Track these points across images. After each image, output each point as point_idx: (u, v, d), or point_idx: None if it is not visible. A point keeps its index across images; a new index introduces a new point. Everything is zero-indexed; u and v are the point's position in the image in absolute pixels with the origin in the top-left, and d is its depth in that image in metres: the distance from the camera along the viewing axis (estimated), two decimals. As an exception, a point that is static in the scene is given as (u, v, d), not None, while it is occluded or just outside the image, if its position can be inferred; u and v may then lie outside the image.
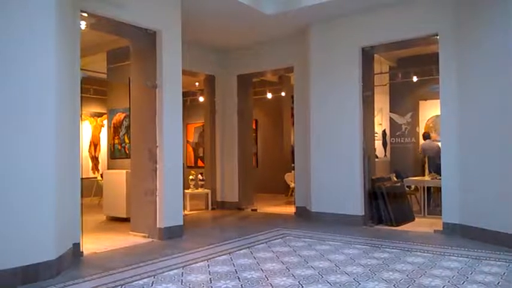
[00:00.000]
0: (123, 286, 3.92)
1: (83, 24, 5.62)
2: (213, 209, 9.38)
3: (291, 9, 6.97)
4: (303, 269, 4.40)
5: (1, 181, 3.85)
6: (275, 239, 6.03)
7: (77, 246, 5.01)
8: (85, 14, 5.44)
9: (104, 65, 8.84)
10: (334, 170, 7.39)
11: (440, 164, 6.55)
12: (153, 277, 4.19)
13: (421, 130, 10.54)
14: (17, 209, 3.95)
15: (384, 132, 10.92)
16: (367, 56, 7.41)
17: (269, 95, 11.95)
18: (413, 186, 8.76)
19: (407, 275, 4.16)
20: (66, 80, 4.72)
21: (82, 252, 5.12)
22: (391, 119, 11.00)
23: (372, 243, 5.67)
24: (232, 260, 4.85)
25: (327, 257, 4.94)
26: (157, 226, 6.14)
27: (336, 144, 7.40)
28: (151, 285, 3.94)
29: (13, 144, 3.94)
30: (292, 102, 9.37)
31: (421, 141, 10.13)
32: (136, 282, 4.04)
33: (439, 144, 6.96)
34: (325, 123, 7.55)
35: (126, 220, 7.39)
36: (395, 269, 4.38)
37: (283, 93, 12.11)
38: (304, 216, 7.97)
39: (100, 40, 8.09)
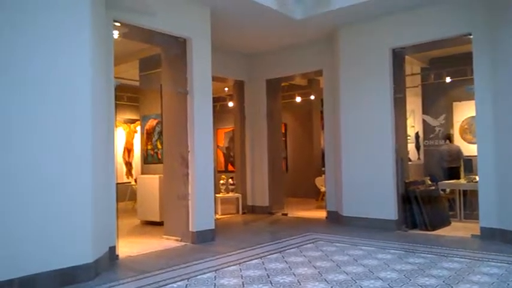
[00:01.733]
0: (158, 289, 4.00)
1: (115, 34, 5.80)
2: (243, 213, 9.42)
3: (319, 13, 6.95)
4: (336, 274, 4.36)
5: (41, 187, 4.00)
6: (306, 244, 6.00)
7: (112, 249, 5.15)
8: (118, 24, 5.62)
9: (136, 73, 9.07)
10: (366, 173, 7.29)
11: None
12: (186, 280, 4.25)
13: (456, 132, 10.26)
14: (56, 213, 4.10)
15: (416, 134, 10.69)
16: (398, 57, 7.29)
17: (298, 99, 11.92)
18: (448, 190, 8.52)
19: (443, 281, 4.05)
20: (101, 88, 4.88)
21: (117, 255, 5.25)
22: (424, 121, 10.75)
23: (406, 248, 5.55)
24: (264, 264, 4.86)
25: (360, 262, 4.88)
26: (190, 230, 6.23)
27: (367, 147, 7.30)
28: (185, 288, 4.01)
29: (52, 150, 4.10)
30: (322, 105, 9.32)
31: (456, 143, 9.86)
32: (170, 285, 4.11)
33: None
34: (356, 126, 7.47)
35: (159, 224, 7.53)
36: (431, 275, 4.28)
37: (312, 97, 12.05)
38: (336, 221, 7.89)
39: (132, 49, 8.32)
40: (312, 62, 8.76)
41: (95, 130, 4.52)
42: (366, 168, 7.30)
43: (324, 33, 8.02)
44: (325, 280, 4.15)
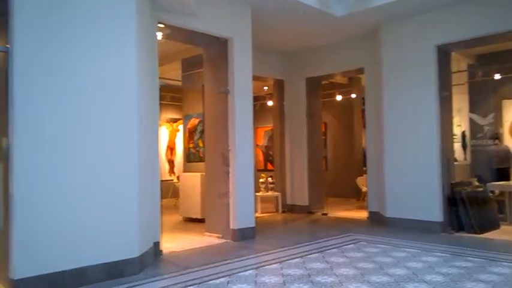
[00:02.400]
0: (200, 284, 4.08)
1: (159, 35, 5.95)
2: (283, 212, 9.43)
3: (361, 9, 6.83)
4: (379, 276, 4.29)
5: (90, 184, 4.19)
6: (348, 244, 5.94)
7: (157, 245, 5.30)
8: (161, 25, 5.77)
9: (179, 73, 9.28)
10: (409, 173, 7.10)
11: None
12: (228, 277, 4.32)
13: (505, 132, 9.80)
14: (105, 209, 4.27)
15: (463, 133, 10.31)
16: (444, 54, 7.05)
17: (339, 97, 11.78)
18: (497, 192, 8.16)
19: (492, 286, 3.90)
20: (146, 88, 5.03)
21: (161, 250, 5.41)
22: (471, 120, 10.34)
23: (453, 251, 5.37)
24: (304, 263, 4.86)
25: (403, 264, 4.77)
26: (231, 227, 6.31)
27: (411, 147, 7.11)
28: (227, 284, 4.07)
29: (100, 149, 4.28)
30: (363, 103, 9.18)
31: (506, 143, 9.42)
32: (212, 281, 4.18)
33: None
34: (399, 124, 7.30)
35: (201, 221, 7.68)
36: (480, 280, 4.12)
37: (353, 95, 11.88)
38: (378, 222, 7.74)
39: (175, 49, 8.52)
40: (353, 60, 8.63)
41: (141, 129, 4.67)
42: (410, 168, 7.11)
43: (366, 30, 7.88)
44: (368, 282, 4.10)
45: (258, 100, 12.97)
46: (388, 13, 7.02)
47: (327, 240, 6.20)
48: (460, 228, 6.72)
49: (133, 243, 4.45)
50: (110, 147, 4.34)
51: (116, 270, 4.28)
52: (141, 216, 4.60)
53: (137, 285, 4.09)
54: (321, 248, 5.70)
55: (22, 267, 3.74)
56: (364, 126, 9.98)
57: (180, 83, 9.41)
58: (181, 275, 4.46)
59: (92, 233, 4.16)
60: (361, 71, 8.73)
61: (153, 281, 4.24)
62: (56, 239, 3.93)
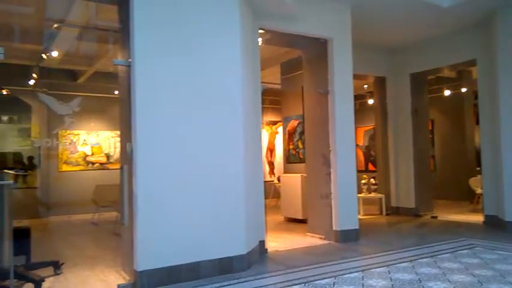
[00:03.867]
0: (306, 284, 4.12)
1: (259, 41, 6.14)
2: (387, 214, 9.08)
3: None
4: (499, 285, 3.94)
5: (203, 184, 4.48)
6: (462, 250, 5.53)
7: (262, 243, 5.48)
8: (261, 31, 5.95)
9: (277, 77, 9.46)
10: (533, 173, 6.39)
11: None
12: (333, 278, 4.30)
13: None
14: (215, 208, 4.53)
15: None
16: None
17: (447, 92, 11.00)
18: None
19: None
20: (250, 92, 5.24)
21: (266, 249, 5.57)
22: None
23: None
24: (414, 268, 4.64)
25: (529, 273, 4.32)
26: (334, 229, 6.27)
27: (534, 144, 6.39)
28: (333, 285, 4.05)
29: (211, 151, 4.55)
30: (475, 98, 8.46)
31: None
32: (318, 281, 4.20)
33: None
34: (519, 120, 6.60)
35: (302, 221, 7.74)
36: None
37: (463, 90, 11.01)
38: (496, 226, 7.08)
39: (273, 54, 8.71)
40: (463, 52, 8.01)
41: (246, 132, 4.88)
42: (533, 168, 6.39)
43: (477, 19, 7.27)
44: (487, 290, 3.79)
45: (358, 99, 12.66)
46: (503, 0, 6.39)
47: (438, 245, 5.84)
48: None
49: (242, 241, 4.66)
50: (219, 150, 4.60)
51: (227, 265, 4.52)
52: (248, 215, 4.80)
53: (246, 281, 4.27)
54: (431, 252, 5.39)
55: (144, 260, 4.12)
56: (477, 123, 9.21)
57: (278, 86, 9.58)
58: (287, 273, 4.55)
59: (206, 230, 4.45)
60: (472, 63, 8.07)
61: (261, 278, 4.38)
62: (174, 235, 4.27)
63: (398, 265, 4.78)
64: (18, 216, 4.96)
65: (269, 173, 13.05)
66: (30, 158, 9.82)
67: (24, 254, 4.69)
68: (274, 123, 13.23)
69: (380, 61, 9.22)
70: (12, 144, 9.74)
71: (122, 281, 4.31)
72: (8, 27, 7.26)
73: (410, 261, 4.95)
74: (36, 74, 9.08)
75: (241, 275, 4.49)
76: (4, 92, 9.09)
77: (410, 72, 8.99)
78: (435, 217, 8.52)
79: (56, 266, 4.75)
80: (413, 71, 8.97)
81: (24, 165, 9.65)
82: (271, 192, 11.82)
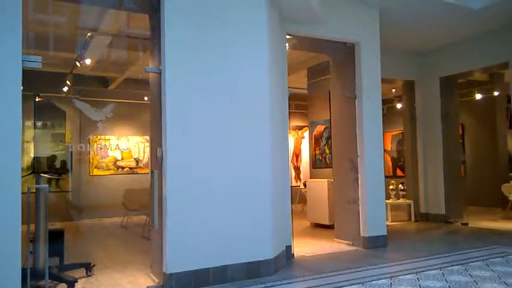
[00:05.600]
0: (334, 290, 4.11)
1: (286, 46, 6.18)
2: (416, 221, 8.91)
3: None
4: (535, 294, 3.82)
5: (231, 188, 4.53)
6: (494, 258, 5.37)
7: (288, 248, 5.48)
8: (288, 36, 5.98)
9: (303, 82, 9.47)
10: None
11: None
12: (361, 284, 4.27)
13: None
14: (243, 212, 4.57)
15: None
16: None
17: (478, 96, 10.74)
18: None
19: None
20: (278, 97, 5.27)
21: (293, 254, 5.57)
22: None
23: None
24: (444, 275, 4.54)
25: None
26: (361, 235, 6.21)
27: None
28: (361, 292, 4.03)
29: (239, 155, 4.60)
30: (508, 101, 8.23)
31: None
32: (345, 287, 4.18)
33: None
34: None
35: (328, 227, 7.69)
36: None
37: (495, 93, 10.72)
38: (531, 234, 6.86)
39: (299, 59, 8.73)
40: (495, 54, 7.81)
41: (273, 137, 4.91)
42: None
43: (509, 20, 7.09)
44: (522, 300, 3.68)
45: (385, 103, 12.51)
46: (537, -1, 6.23)
47: (469, 252, 5.70)
48: None
49: (269, 246, 4.68)
50: (247, 155, 4.65)
51: (253, 270, 4.55)
52: (274, 220, 4.82)
53: (273, 285, 4.29)
54: (462, 260, 5.27)
55: (173, 262, 4.20)
56: (509, 127, 8.95)
57: (304, 91, 9.58)
58: (314, 279, 4.54)
59: (233, 234, 4.49)
60: (504, 65, 7.86)
61: (287, 283, 4.39)
62: (202, 238, 4.33)
63: (427, 272, 4.69)
64: (51, 219, 5.12)
65: (295, 178, 13.02)
66: (63, 163, 10.14)
67: (57, 255, 4.85)
68: (300, 128, 13.22)
69: (409, 65, 9.09)
70: (46, 149, 10.09)
71: (151, 283, 4.40)
72: (44, 37, 7.57)
73: (440, 268, 4.86)
74: (69, 81, 9.40)
75: (268, 279, 4.51)
76: (38, 98, 9.44)
77: (440, 76, 8.83)
78: (466, 224, 8.30)
79: (88, 268, 4.89)
80: (443, 75, 8.80)
81: (58, 169, 9.98)
82: (297, 197, 11.79)
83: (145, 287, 4.25)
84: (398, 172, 12.90)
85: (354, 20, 6.29)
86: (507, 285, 4.14)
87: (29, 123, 9.47)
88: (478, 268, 4.85)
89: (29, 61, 3.75)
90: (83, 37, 7.39)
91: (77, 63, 8.37)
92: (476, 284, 4.20)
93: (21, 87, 3.64)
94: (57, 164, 10.07)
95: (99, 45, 7.86)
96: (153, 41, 4.66)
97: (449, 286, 4.13)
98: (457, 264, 5.03)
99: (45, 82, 8.82)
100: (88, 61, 8.52)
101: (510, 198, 9.10)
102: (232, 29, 4.66)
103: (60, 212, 9.67)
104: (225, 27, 4.62)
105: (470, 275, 4.55)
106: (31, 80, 4.35)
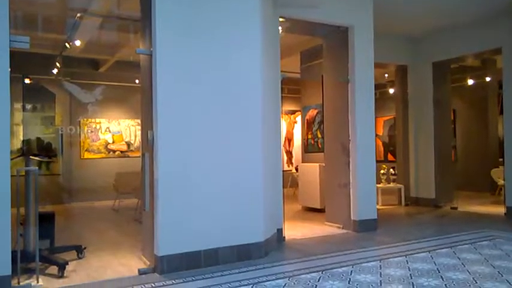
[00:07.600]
0: (324, 272, 4.15)
1: (279, 29, 6.11)
2: (406, 205, 9.02)
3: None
4: (521, 276, 3.90)
5: (221, 172, 4.52)
6: (482, 241, 5.47)
7: (280, 231, 5.52)
8: (281, 19, 5.91)
9: (296, 66, 9.40)
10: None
11: None
12: (351, 266, 4.32)
13: None
14: (234, 195, 4.58)
15: None
16: None
17: (470, 82, 10.77)
18: None
19: None
20: (270, 81, 5.24)
21: (284, 237, 5.61)
22: None
23: None
24: (432, 258, 4.62)
25: (551, 265, 4.25)
26: (352, 218, 6.26)
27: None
28: (350, 274, 4.07)
29: (229, 139, 4.58)
30: (500, 87, 8.27)
31: None
32: (335, 269, 4.23)
33: None
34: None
35: (319, 211, 7.75)
36: None
37: (487, 79, 10.76)
38: (518, 218, 6.97)
39: (292, 42, 8.64)
40: (488, 40, 7.82)
41: (264, 120, 4.89)
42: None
43: (503, 6, 7.07)
44: (507, 281, 3.75)
45: (378, 88, 12.49)
46: (531, -16, 6.21)
47: (458, 236, 5.79)
48: None
49: (260, 229, 4.71)
50: (239, 139, 4.63)
51: (244, 252, 4.58)
52: (265, 204, 4.84)
53: (264, 268, 4.33)
54: (450, 243, 5.35)
55: (164, 245, 4.20)
56: (500, 113, 9.01)
57: (297, 75, 9.53)
58: (304, 261, 4.59)
59: (224, 217, 4.50)
60: (497, 51, 7.89)
61: (278, 265, 4.43)
62: (193, 221, 4.33)
63: (416, 255, 4.76)
64: (42, 202, 5.10)
65: (287, 163, 13.06)
66: (50, 145, 10.04)
67: (48, 238, 4.84)
68: (293, 112, 13.20)
69: (402, 49, 9.07)
70: (35, 132, 9.99)
71: (142, 266, 4.41)
72: (32, 17, 7.41)
73: (429, 251, 4.93)
74: (59, 63, 9.26)
75: (259, 262, 4.54)
76: (27, 80, 9.30)
77: (433, 61, 8.84)
78: (455, 208, 8.42)
79: (79, 250, 4.89)
80: (436, 60, 8.81)
81: (48, 151, 9.90)
82: (289, 181, 11.84)
83: (136, 269, 4.26)
84: (390, 157, 12.99)
85: (348, 4, 6.24)
86: (494, 267, 4.22)
87: (18, 105, 9.35)
88: (466, 251, 4.93)
89: (17, 41, 3.68)
90: (72, 18, 7.25)
91: (67, 44, 8.23)
92: (464, 266, 4.27)
93: (9, 69, 3.57)
94: (47, 147, 9.98)
95: (89, 27, 7.72)
96: (144, 22, 4.58)
97: (437, 268, 4.20)
98: (445, 247, 5.11)
99: (34, 64, 8.68)
100: (78, 43, 8.37)
101: (499, 183, 9.21)
102: (224, 11, 4.59)
103: (51, 195, 9.61)
104: (217, 9, 4.55)
105: (458, 257, 4.63)
106: (20, 61, 4.28)
